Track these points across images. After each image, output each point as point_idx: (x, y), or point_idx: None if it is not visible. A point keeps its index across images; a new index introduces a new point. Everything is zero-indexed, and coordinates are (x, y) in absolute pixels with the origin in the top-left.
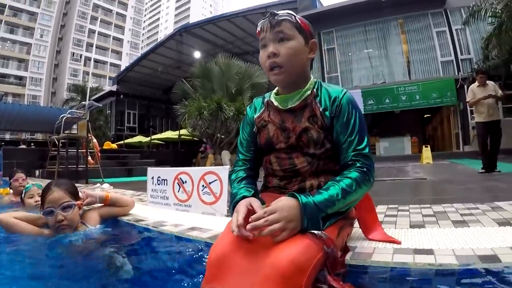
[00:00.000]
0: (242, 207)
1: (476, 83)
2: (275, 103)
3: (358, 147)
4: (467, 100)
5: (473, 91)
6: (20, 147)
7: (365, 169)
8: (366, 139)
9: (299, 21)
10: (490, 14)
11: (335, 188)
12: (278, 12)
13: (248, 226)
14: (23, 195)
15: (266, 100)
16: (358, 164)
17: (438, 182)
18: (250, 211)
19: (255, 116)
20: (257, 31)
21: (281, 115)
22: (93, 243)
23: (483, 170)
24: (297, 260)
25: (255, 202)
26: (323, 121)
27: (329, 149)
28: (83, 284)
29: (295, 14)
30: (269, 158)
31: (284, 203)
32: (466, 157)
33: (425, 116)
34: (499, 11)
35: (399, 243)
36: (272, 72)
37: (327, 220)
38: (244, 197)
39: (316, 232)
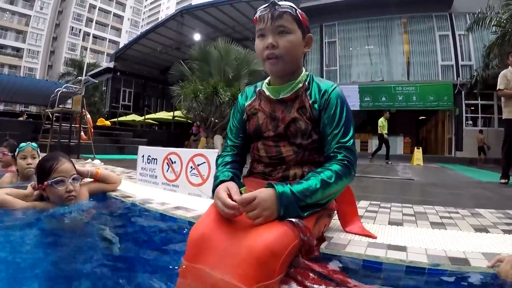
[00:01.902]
0: (221, 192)
1: (510, 68)
2: (267, 93)
3: (342, 140)
4: (499, 87)
5: (507, 77)
6: (19, 119)
7: (346, 162)
8: (351, 133)
9: (299, 15)
10: (495, 23)
11: (314, 179)
12: (280, 3)
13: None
14: (16, 154)
15: (258, 89)
16: (340, 157)
17: (425, 184)
18: (229, 196)
19: (246, 104)
20: (255, 18)
21: (271, 105)
22: (83, 217)
23: (505, 180)
24: (272, 246)
25: (233, 187)
26: (311, 113)
27: (315, 141)
28: (71, 258)
29: (296, 7)
30: (257, 145)
31: (262, 192)
32: (457, 162)
33: (420, 118)
34: (504, 21)
35: (374, 237)
36: (269, 61)
37: (307, 209)
38: (222, 181)
39: (294, 220)
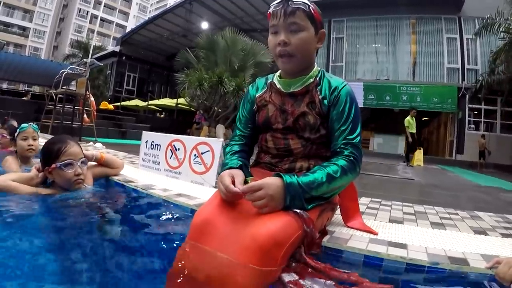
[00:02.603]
0: (226, 176)
1: None
2: (278, 86)
3: (349, 137)
4: None
5: None
6: (23, 98)
7: (352, 158)
8: (358, 130)
9: (312, 11)
10: (503, 29)
11: (321, 172)
12: None
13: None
14: (16, 134)
15: (269, 81)
16: (346, 153)
17: (425, 185)
18: (232, 182)
19: (257, 95)
20: (268, 13)
21: (282, 98)
22: (87, 202)
23: None
24: (276, 235)
25: (239, 174)
26: (320, 109)
27: (323, 135)
28: (74, 244)
29: (309, 3)
30: (265, 136)
31: (269, 181)
32: (457, 165)
33: (423, 118)
34: None
35: (376, 234)
36: (281, 59)
37: (311, 202)
38: (230, 168)
39: (298, 210)
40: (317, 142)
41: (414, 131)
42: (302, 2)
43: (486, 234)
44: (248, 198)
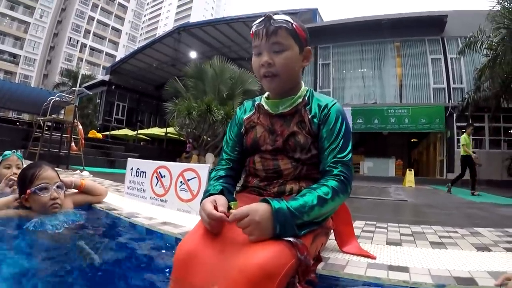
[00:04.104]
0: (207, 204)
1: None
2: (266, 107)
3: (339, 155)
4: None
5: None
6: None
7: (342, 178)
8: (349, 148)
9: (295, 29)
10: (486, 46)
11: (311, 195)
12: (275, 17)
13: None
14: None
15: (256, 103)
16: (335, 172)
17: (419, 205)
18: (214, 208)
19: (244, 117)
20: (251, 33)
21: (270, 119)
22: (66, 228)
23: None
24: (267, 266)
25: (220, 199)
26: (310, 128)
27: (314, 156)
28: (48, 268)
29: (292, 21)
30: (253, 159)
31: (255, 207)
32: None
33: (412, 140)
34: (495, 44)
35: (374, 258)
36: (266, 79)
37: (303, 228)
38: (210, 194)
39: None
40: (307, 163)
41: (471, 152)
42: (285, 20)
43: (489, 250)
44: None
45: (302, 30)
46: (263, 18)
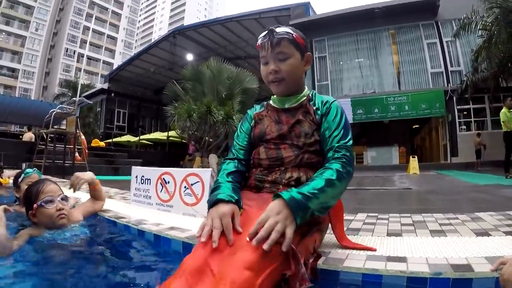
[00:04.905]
0: (227, 218)
1: None
2: (273, 104)
3: (342, 141)
4: None
5: None
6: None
7: (344, 160)
8: (350, 136)
9: (296, 39)
10: (480, 27)
11: (318, 179)
12: (277, 30)
13: (254, 243)
14: (20, 180)
15: (265, 103)
16: (337, 155)
17: (423, 193)
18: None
19: (255, 113)
20: (258, 45)
21: (277, 113)
22: (77, 240)
23: None
24: (250, 267)
25: (237, 216)
26: (314, 117)
27: (317, 141)
28: (62, 281)
29: (292, 32)
30: (258, 150)
31: (271, 206)
32: (454, 168)
33: (413, 126)
34: (489, 24)
35: (374, 250)
36: (274, 84)
37: (321, 210)
38: (223, 200)
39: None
40: (309, 151)
41: None
42: (286, 32)
43: (488, 235)
44: (265, 234)
45: (302, 39)
46: (266, 32)
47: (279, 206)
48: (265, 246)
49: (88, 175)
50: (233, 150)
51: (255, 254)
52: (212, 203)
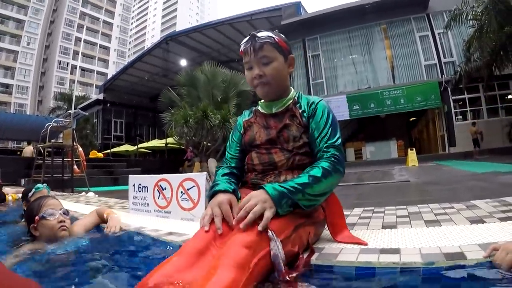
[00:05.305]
0: (225, 205)
1: None
2: (261, 110)
3: (330, 141)
4: None
5: None
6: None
7: (333, 159)
8: (338, 134)
9: (278, 42)
10: (471, 17)
11: (303, 175)
12: (259, 35)
13: (234, 222)
14: (30, 194)
15: (253, 109)
16: (327, 155)
17: (421, 184)
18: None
19: (244, 120)
20: (241, 51)
21: (265, 119)
22: (77, 252)
23: None
24: (248, 246)
25: (235, 203)
26: (301, 120)
27: (306, 144)
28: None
29: (274, 36)
30: (251, 155)
31: (253, 192)
32: (452, 158)
33: (410, 119)
34: (479, 13)
35: (365, 244)
36: (259, 87)
37: (306, 203)
38: (225, 191)
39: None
40: (299, 153)
41: None
42: (267, 36)
43: (483, 222)
44: (244, 214)
45: (284, 42)
46: (248, 37)
47: (260, 192)
48: (242, 225)
49: (118, 222)
50: (227, 160)
51: (253, 234)
52: (211, 196)
